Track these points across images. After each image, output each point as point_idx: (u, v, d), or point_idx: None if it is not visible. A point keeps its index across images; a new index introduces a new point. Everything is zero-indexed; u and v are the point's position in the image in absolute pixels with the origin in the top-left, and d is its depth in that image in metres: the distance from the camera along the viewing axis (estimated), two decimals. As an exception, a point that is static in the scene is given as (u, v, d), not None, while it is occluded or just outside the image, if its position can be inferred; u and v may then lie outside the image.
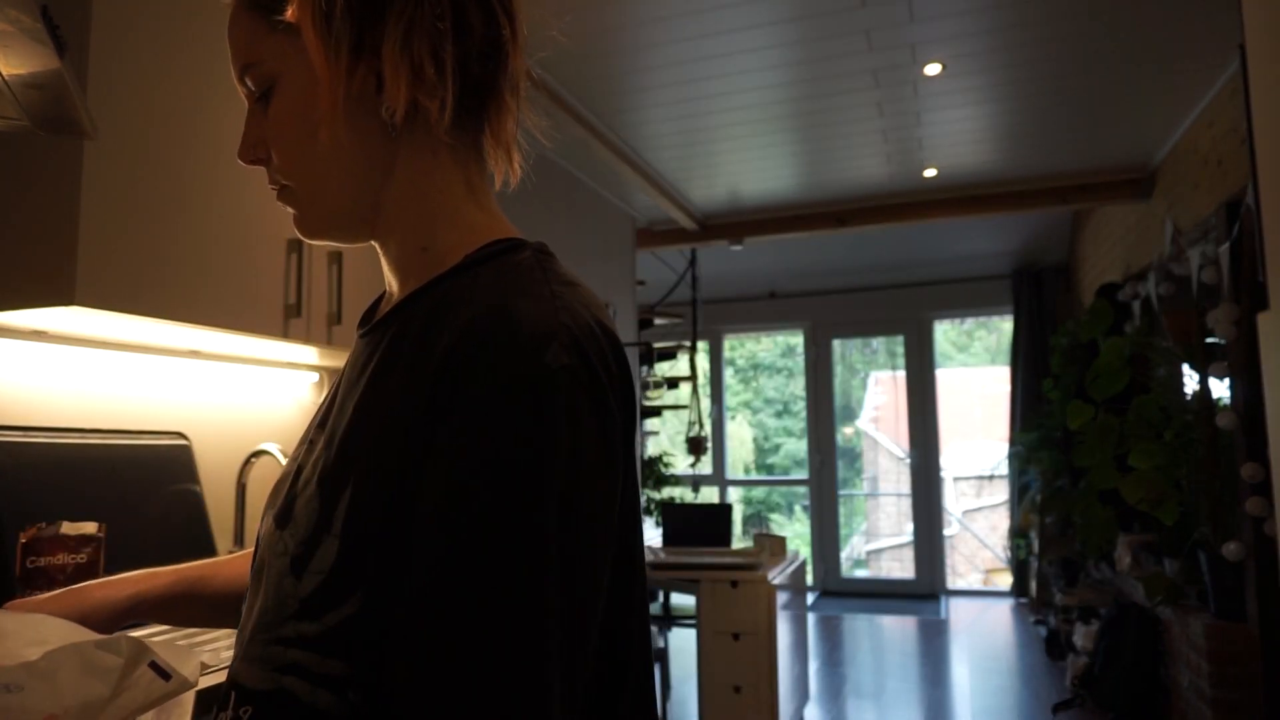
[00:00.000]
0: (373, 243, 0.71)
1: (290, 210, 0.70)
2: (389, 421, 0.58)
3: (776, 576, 3.44)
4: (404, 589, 0.53)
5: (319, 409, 0.72)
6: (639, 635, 0.62)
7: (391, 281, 0.70)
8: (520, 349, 0.54)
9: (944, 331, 8.02)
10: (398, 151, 0.66)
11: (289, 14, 0.62)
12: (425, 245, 0.67)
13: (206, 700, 1.20)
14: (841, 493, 7.55)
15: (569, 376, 0.54)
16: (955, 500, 9.16)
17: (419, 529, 0.54)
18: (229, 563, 0.87)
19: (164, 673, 0.66)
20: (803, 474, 7.81)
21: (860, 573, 8.18)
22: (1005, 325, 7.49)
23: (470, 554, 0.51)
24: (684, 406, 6.12)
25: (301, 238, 0.71)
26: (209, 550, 1.88)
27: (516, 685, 0.49)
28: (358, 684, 0.55)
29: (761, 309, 7.69)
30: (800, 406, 8.12)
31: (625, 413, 0.60)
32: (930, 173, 4.57)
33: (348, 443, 0.61)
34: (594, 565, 0.55)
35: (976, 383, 9.73)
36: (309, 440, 0.68)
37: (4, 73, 1.01)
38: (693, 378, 5.91)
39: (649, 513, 5.58)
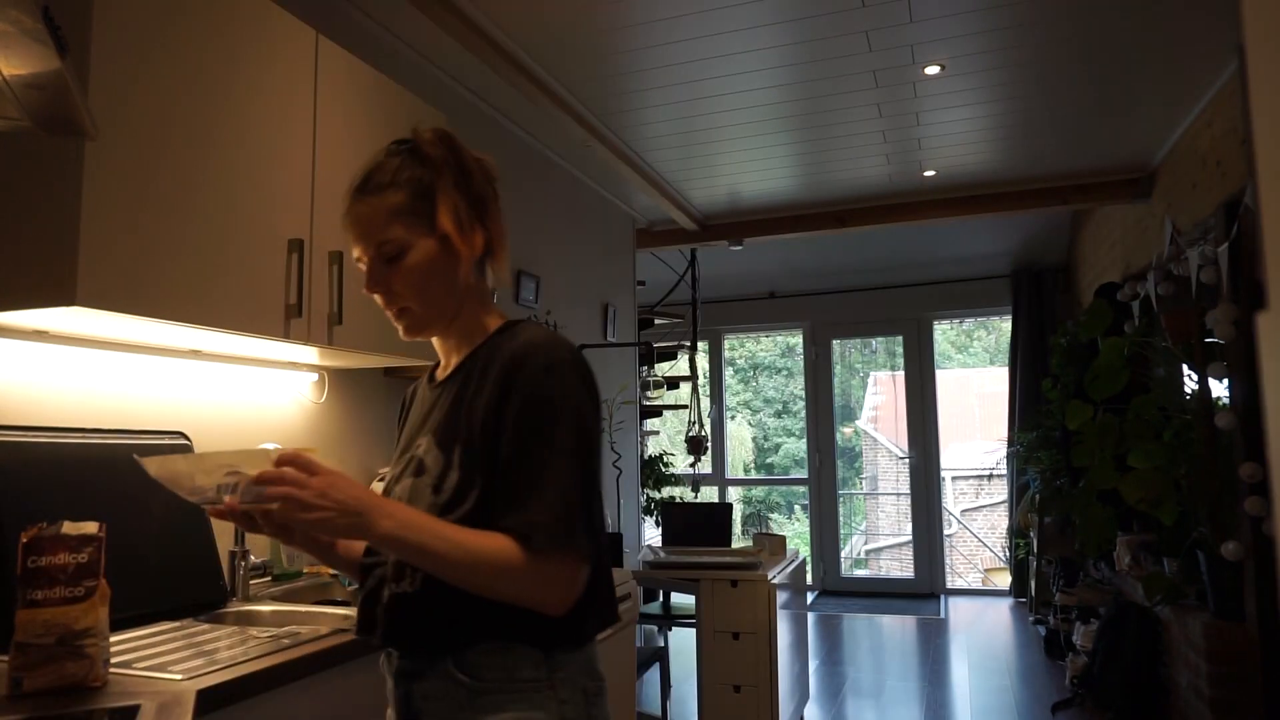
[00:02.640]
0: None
1: (402, 324, 1.15)
2: (478, 406, 1.08)
3: (776, 576, 3.44)
4: (499, 479, 1.04)
5: (403, 441, 1.23)
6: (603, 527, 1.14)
7: (450, 350, 1.20)
8: (549, 349, 1.09)
9: (943, 331, 8.02)
10: (468, 278, 1.16)
11: (438, 223, 1.12)
12: (479, 327, 1.18)
13: (206, 701, 1.20)
14: (841, 492, 7.55)
15: (573, 358, 1.10)
16: (954, 500, 9.16)
17: (508, 440, 1.04)
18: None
19: None
20: (802, 474, 7.81)
21: (860, 572, 8.19)
22: (1004, 325, 7.49)
23: (547, 441, 1.04)
24: (684, 406, 6.12)
25: (408, 338, 1.17)
26: (209, 549, 1.88)
27: (575, 504, 1.03)
28: None
29: (761, 309, 7.69)
30: (800, 406, 8.12)
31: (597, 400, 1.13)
32: (930, 173, 4.57)
33: (452, 423, 1.10)
34: (597, 452, 1.09)
35: (976, 382, 9.73)
36: (413, 445, 1.16)
37: (5, 73, 1.01)
38: (693, 378, 5.90)
39: (649, 512, 5.58)
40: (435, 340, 1.21)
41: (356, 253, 1.13)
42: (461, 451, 1.07)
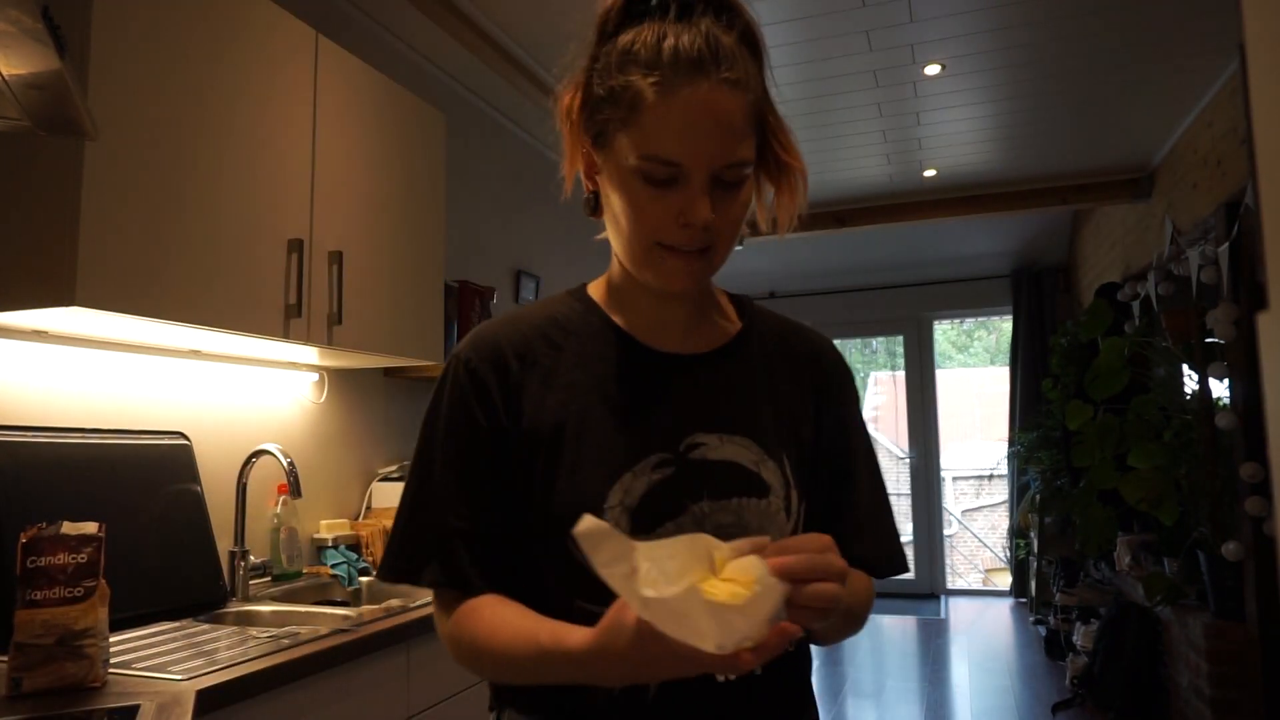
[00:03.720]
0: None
1: (691, 278, 0.81)
2: (792, 409, 0.89)
3: (776, 576, 3.43)
4: (848, 505, 0.90)
5: (640, 431, 0.83)
6: None
7: (677, 315, 0.88)
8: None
9: (944, 331, 8.02)
10: None
11: (770, 146, 0.84)
12: (712, 292, 0.94)
13: (206, 701, 1.20)
14: (841, 493, 7.54)
15: None
16: (955, 500, 9.16)
17: (849, 457, 0.91)
18: None
19: None
20: (802, 474, 7.81)
21: (860, 572, 8.17)
22: (1005, 325, 7.49)
23: (873, 455, 0.94)
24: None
25: (685, 291, 0.83)
26: (209, 549, 1.88)
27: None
28: None
29: (761, 309, 7.68)
30: (800, 406, 8.11)
31: None
32: (930, 173, 4.57)
33: (767, 429, 0.86)
34: None
35: (976, 383, 9.73)
36: (682, 441, 0.83)
37: (5, 73, 1.01)
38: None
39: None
40: (633, 296, 0.89)
41: (676, 156, 0.75)
42: (791, 465, 0.85)
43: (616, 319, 0.89)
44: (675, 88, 0.73)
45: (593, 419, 0.83)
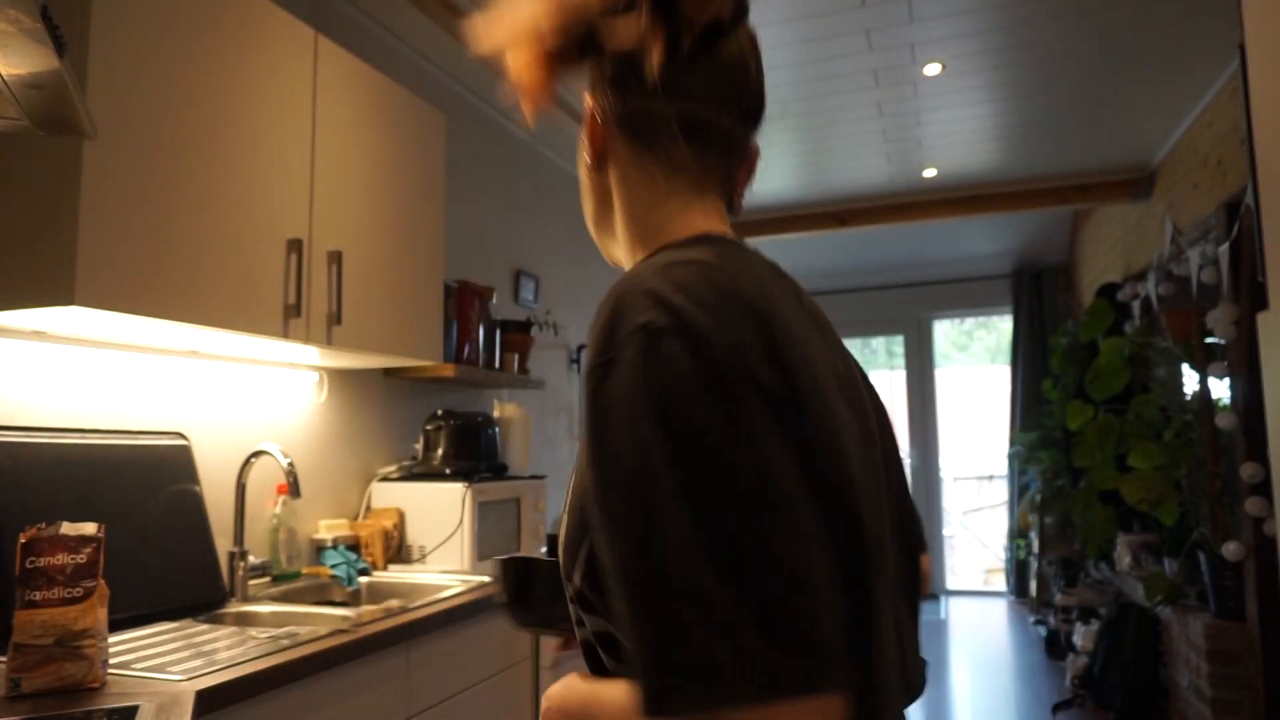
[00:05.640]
0: None
1: None
2: None
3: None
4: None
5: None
6: None
7: None
8: (605, 306, 0.66)
9: (944, 331, 8.02)
10: None
11: None
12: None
13: (205, 702, 1.20)
14: (841, 493, 7.55)
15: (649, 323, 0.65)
16: (955, 500, 9.16)
17: (588, 510, 0.64)
18: None
19: None
20: (802, 474, 7.81)
21: (860, 573, 8.18)
22: (1005, 325, 7.49)
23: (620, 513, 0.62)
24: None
25: None
26: (208, 550, 1.88)
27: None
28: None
29: (761, 309, 7.69)
30: (800, 406, 8.11)
31: None
32: (930, 173, 4.57)
33: None
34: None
35: (976, 382, 9.72)
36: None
37: (4, 73, 1.01)
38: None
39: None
40: None
41: None
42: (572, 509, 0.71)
43: None
44: None
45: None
